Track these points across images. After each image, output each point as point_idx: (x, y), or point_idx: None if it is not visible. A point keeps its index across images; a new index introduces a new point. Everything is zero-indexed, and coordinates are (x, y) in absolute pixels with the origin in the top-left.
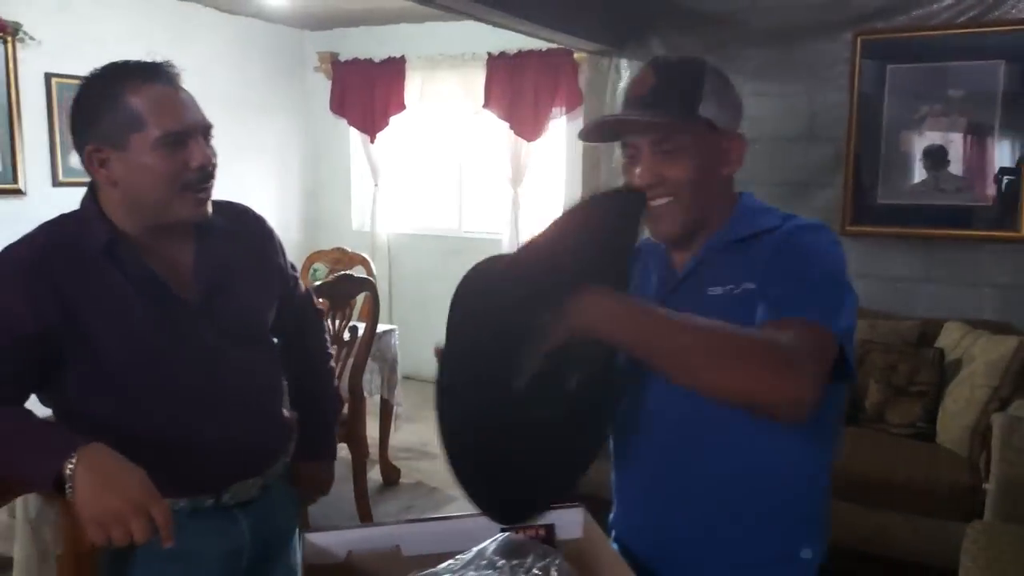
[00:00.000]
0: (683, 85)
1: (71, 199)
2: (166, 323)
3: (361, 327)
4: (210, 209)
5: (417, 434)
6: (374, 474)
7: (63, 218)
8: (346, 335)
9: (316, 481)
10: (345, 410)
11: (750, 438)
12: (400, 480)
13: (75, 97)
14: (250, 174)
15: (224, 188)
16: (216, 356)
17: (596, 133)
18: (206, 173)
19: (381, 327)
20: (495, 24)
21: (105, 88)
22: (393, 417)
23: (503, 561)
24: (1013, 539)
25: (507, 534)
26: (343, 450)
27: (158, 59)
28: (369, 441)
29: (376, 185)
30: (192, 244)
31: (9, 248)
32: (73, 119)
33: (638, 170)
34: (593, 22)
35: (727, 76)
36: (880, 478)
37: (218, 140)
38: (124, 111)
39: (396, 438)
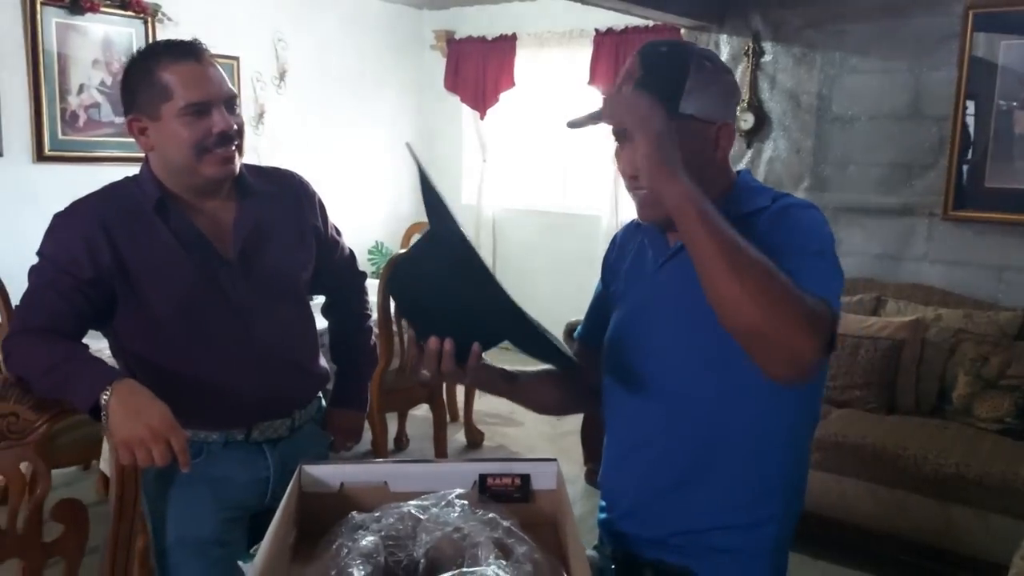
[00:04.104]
0: (665, 80)
1: None
2: (206, 277)
3: None
4: (237, 168)
5: (506, 401)
6: (459, 436)
7: (124, 180)
8: None
9: (345, 429)
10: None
11: (740, 402)
12: (483, 443)
13: (122, 74)
14: (366, 146)
15: (341, 157)
16: (249, 309)
17: (584, 121)
18: (227, 137)
19: None
20: (585, 2)
21: (143, 66)
22: None
23: (464, 503)
24: None
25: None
26: (425, 410)
27: (188, 39)
28: (458, 404)
29: (484, 161)
30: (235, 205)
31: (75, 203)
32: (121, 93)
33: (619, 161)
34: None
35: (718, 63)
36: (953, 472)
37: (336, 113)
38: (157, 85)
39: (484, 403)
